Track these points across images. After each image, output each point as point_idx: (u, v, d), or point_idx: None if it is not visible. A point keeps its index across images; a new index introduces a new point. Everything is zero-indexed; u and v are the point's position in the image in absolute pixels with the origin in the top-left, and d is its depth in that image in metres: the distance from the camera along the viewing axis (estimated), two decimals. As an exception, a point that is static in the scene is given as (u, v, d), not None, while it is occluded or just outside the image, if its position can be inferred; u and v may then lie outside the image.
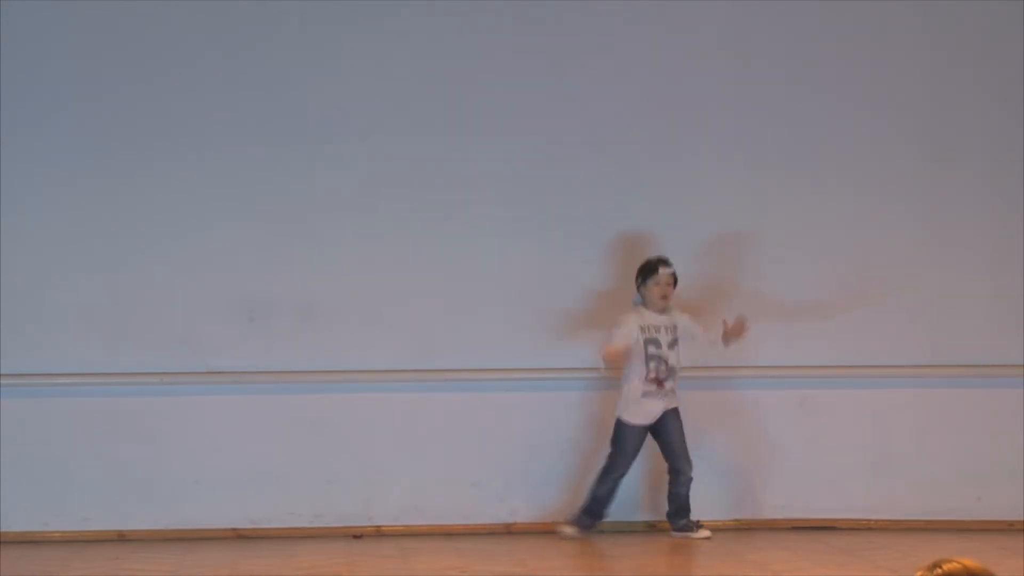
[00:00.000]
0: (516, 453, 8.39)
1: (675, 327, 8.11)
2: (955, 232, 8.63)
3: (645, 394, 8.07)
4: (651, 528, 8.36)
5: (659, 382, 8.06)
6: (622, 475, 8.10)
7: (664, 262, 8.12)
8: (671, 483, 8.13)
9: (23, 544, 7.99)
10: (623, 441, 8.09)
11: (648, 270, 8.14)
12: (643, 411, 8.07)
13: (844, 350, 8.53)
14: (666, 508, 8.18)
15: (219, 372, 8.26)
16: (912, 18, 8.61)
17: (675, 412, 8.11)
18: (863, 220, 8.58)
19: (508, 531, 8.34)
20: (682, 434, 8.11)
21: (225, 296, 8.29)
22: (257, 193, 8.32)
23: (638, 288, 8.16)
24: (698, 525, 8.12)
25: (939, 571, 3.19)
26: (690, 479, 8.09)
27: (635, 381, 8.07)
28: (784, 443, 8.44)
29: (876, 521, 8.50)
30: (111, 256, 8.25)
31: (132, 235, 8.26)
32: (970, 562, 3.21)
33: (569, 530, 8.13)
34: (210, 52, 8.30)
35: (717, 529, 8.25)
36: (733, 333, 8.06)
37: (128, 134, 8.26)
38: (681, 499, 8.11)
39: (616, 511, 8.32)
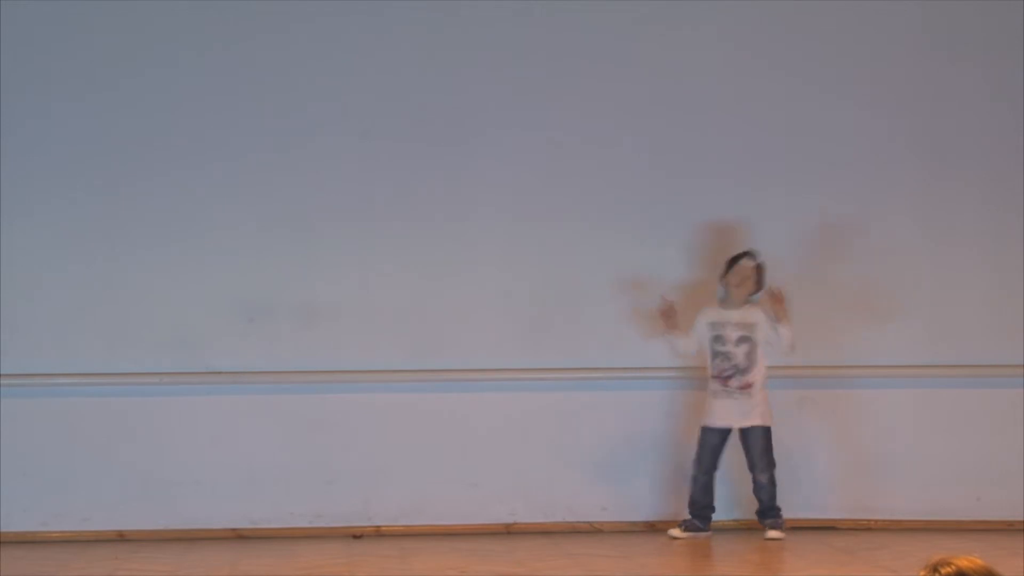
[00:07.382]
0: (516, 453, 8.38)
1: (752, 325, 8.10)
2: (955, 232, 8.62)
3: (714, 393, 8.09)
4: (651, 528, 8.36)
5: (724, 379, 8.08)
6: (699, 476, 8.11)
7: (748, 254, 8.14)
8: (753, 486, 8.19)
9: (23, 544, 7.98)
10: (700, 442, 8.12)
11: (732, 261, 8.14)
12: (714, 413, 8.09)
13: (843, 350, 8.52)
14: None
15: (219, 372, 8.26)
16: (912, 18, 8.61)
17: (763, 429, 8.09)
18: (862, 220, 8.58)
19: (508, 531, 8.34)
20: (761, 444, 8.09)
21: (225, 296, 8.29)
22: (257, 193, 8.32)
23: (721, 279, 8.18)
24: (777, 525, 8.12)
25: (943, 572, 3.16)
26: (763, 486, 8.10)
27: (709, 381, 8.11)
28: (784, 443, 8.43)
29: (876, 521, 8.49)
30: (111, 256, 8.25)
31: (132, 235, 8.26)
32: (968, 562, 3.18)
33: (676, 532, 8.12)
34: (210, 52, 8.30)
35: (718, 529, 8.25)
36: (774, 307, 8.03)
37: (128, 134, 8.26)
38: (761, 502, 8.15)
39: (617, 512, 8.34)
